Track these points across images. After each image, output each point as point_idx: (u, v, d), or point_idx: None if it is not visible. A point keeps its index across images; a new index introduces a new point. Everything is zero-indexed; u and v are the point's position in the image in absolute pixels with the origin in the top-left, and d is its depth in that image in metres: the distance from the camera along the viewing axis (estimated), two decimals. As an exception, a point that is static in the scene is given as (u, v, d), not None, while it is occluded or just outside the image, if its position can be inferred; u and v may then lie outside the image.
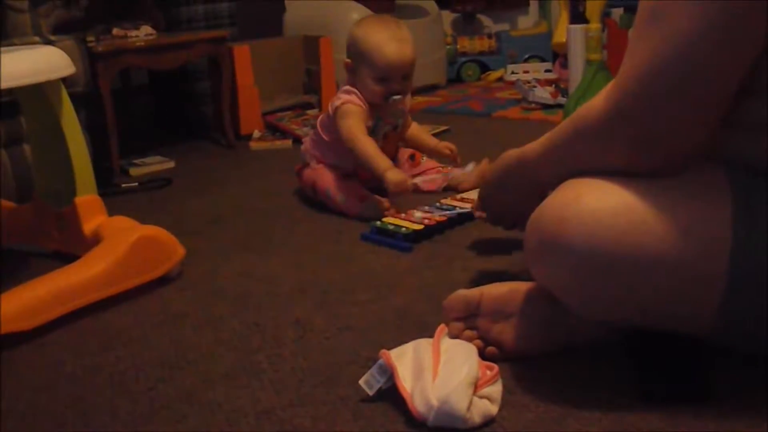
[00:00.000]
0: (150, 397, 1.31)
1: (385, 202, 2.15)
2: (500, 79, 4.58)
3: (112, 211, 1.91)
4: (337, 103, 2.26)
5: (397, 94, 2.26)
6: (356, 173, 2.31)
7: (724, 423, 1.11)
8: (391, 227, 1.99)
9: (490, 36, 4.80)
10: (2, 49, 1.80)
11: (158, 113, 3.71)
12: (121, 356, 1.47)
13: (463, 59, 4.72)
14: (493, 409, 1.16)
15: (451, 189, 2.31)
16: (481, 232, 1.74)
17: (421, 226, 1.98)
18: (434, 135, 3.15)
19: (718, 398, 1.16)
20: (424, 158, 2.46)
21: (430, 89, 4.40)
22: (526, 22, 5.04)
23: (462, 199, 2.17)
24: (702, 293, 1.11)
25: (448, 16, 4.94)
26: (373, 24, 2.31)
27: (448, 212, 2.07)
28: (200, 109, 3.58)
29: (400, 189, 2.09)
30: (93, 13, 2.70)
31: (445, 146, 2.43)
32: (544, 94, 3.61)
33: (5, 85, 1.57)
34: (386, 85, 2.24)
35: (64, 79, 1.76)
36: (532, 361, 1.31)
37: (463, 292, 1.36)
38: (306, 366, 1.37)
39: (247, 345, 1.47)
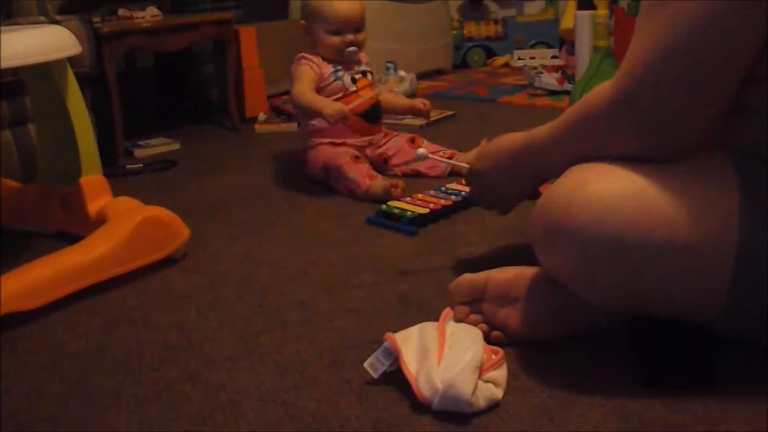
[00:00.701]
0: (154, 379, 1.31)
1: (397, 184, 2.17)
2: (506, 64, 4.57)
3: (116, 192, 1.91)
4: (291, 69, 2.42)
5: (352, 45, 2.40)
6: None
7: (728, 409, 1.11)
8: (396, 211, 1.98)
9: (496, 21, 4.79)
10: (8, 28, 1.79)
11: (163, 95, 3.71)
12: (124, 337, 1.47)
13: (470, 44, 4.71)
14: (498, 393, 1.16)
15: (456, 173, 2.30)
16: (487, 216, 1.73)
17: (426, 210, 1.98)
18: (439, 120, 3.17)
19: (722, 385, 1.16)
20: (425, 142, 2.46)
21: (435, 74, 4.40)
22: (533, 8, 5.02)
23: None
24: (709, 280, 1.10)
25: (454, 2, 4.93)
26: None
27: (453, 196, 2.07)
28: (205, 91, 3.58)
29: (339, 117, 2.18)
30: (99, -6, 2.69)
31: (418, 101, 2.54)
32: (550, 80, 3.59)
33: (11, 64, 1.56)
34: (341, 37, 2.39)
35: (69, 60, 1.76)
36: (537, 346, 1.30)
37: (468, 276, 1.36)
38: (310, 348, 1.37)
39: (251, 327, 1.47)
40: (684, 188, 1.10)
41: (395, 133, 2.53)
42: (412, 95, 3.51)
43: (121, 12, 3.07)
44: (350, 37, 2.39)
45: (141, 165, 2.74)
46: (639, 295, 1.16)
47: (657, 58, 1.08)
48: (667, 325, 1.20)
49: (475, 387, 1.12)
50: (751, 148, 1.14)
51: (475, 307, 1.34)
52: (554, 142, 1.29)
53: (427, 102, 2.53)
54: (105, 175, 1.90)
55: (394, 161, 2.40)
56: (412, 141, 2.47)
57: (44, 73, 1.77)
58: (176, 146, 2.99)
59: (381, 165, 2.41)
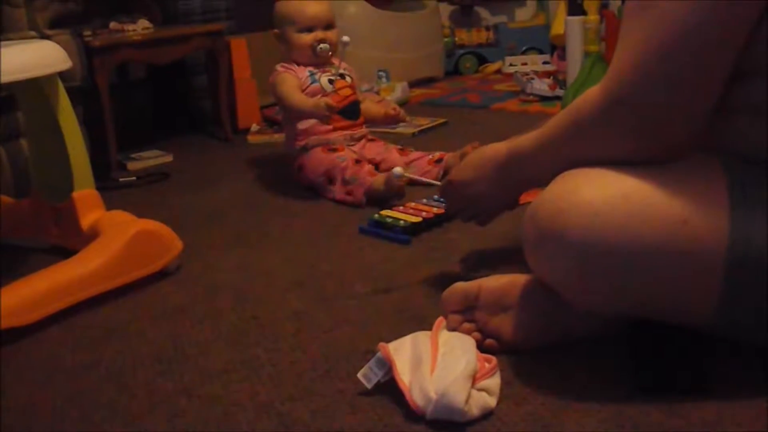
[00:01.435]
0: (148, 392, 1.31)
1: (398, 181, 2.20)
2: (498, 71, 4.57)
3: (109, 206, 1.91)
4: (270, 79, 2.48)
5: (323, 41, 2.46)
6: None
7: (723, 414, 1.11)
8: (389, 220, 1.98)
9: (488, 28, 4.80)
10: (-2, 43, 1.80)
11: (156, 107, 3.70)
12: (119, 351, 1.47)
13: (461, 51, 4.72)
14: (492, 401, 1.16)
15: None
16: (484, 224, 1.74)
17: (419, 219, 1.98)
18: (432, 128, 3.17)
19: (717, 389, 1.16)
20: (413, 149, 2.49)
21: (427, 82, 4.40)
22: (524, 14, 5.03)
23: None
24: (700, 283, 1.11)
25: (446, 9, 4.93)
26: None
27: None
28: (198, 102, 3.58)
29: (327, 110, 2.21)
30: (89, 7, 2.70)
31: (391, 108, 2.58)
32: (542, 86, 3.60)
33: (2, 79, 1.56)
34: (312, 35, 2.46)
35: (60, 74, 1.76)
36: (530, 354, 1.30)
37: (461, 285, 1.36)
38: (304, 359, 1.37)
39: (245, 339, 1.47)
40: (673, 191, 1.11)
41: (383, 142, 2.55)
42: (404, 103, 3.52)
43: (112, 25, 3.07)
44: (320, 34, 2.46)
45: (134, 177, 2.74)
46: (631, 300, 1.16)
47: (645, 60, 1.09)
48: (661, 331, 1.21)
49: (469, 395, 1.12)
50: (739, 148, 1.15)
51: (468, 315, 1.34)
52: (542, 149, 1.29)
53: (396, 106, 2.59)
54: (98, 188, 1.90)
55: (383, 167, 2.40)
56: (401, 149, 2.48)
57: (35, 89, 1.77)
58: (169, 158, 2.99)
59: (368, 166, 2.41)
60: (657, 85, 1.09)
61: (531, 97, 3.60)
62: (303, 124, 2.44)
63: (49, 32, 2.35)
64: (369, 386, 1.22)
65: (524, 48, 4.63)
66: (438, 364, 1.18)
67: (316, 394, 1.25)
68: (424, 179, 1.76)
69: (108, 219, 1.84)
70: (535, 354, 1.30)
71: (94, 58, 2.70)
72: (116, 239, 1.72)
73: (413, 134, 3.10)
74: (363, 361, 1.26)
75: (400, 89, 3.77)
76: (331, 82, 2.46)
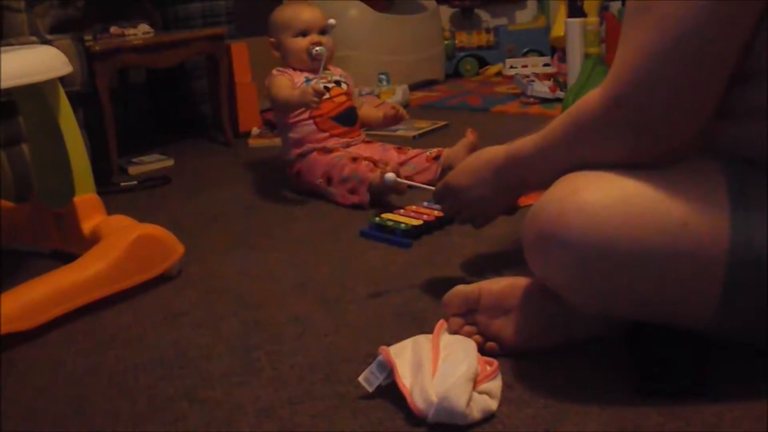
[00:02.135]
0: (150, 396, 1.31)
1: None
2: (499, 73, 4.57)
3: (111, 210, 1.91)
4: (266, 83, 2.50)
5: (318, 45, 2.47)
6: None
7: (724, 417, 1.11)
8: (390, 223, 1.98)
9: (488, 31, 4.80)
10: (-1, 49, 1.80)
11: (156, 111, 3.71)
12: (120, 355, 1.47)
13: (462, 54, 4.72)
14: (493, 404, 1.16)
15: (446, 171, 2.31)
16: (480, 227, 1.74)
17: (420, 222, 1.98)
18: (432, 130, 3.17)
19: (718, 392, 1.16)
20: (410, 147, 2.52)
21: (428, 84, 4.40)
22: (525, 17, 5.04)
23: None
24: (701, 285, 1.11)
25: (446, 11, 4.94)
26: (285, 4, 2.69)
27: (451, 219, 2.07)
28: (198, 107, 3.59)
29: (311, 97, 2.23)
30: (90, 12, 2.69)
31: (389, 108, 2.60)
32: (542, 88, 3.60)
33: (3, 85, 1.57)
34: (307, 39, 2.48)
35: (61, 79, 1.76)
36: (531, 357, 1.30)
37: (462, 288, 1.36)
38: (305, 363, 1.37)
39: (246, 343, 1.47)
40: (674, 193, 1.11)
41: (380, 143, 2.56)
42: (405, 106, 3.52)
43: (112, 30, 3.08)
44: (315, 37, 2.48)
45: (135, 182, 2.74)
46: (632, 303, 1.16)
47: (646, 62, 1.09)
48: (661, 333, 1.21)
49: (470, 399, 1.12)
50: (739, 150, 1.15)
51: (469, 318, 1.34)
52: (542, 152, 1.29)
53: (395, 105, 2.61)
54: (99, 192, 1.90)
55: (380, 165, 2.40)
56: (399, 148, 2.50)
57: (36, 94, 1.77)
58: (170, 162, 3.00)
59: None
60: (657, 88, 1.09)
61: (531, 100, 3.60)
62: (299, 133, 2.45)
63: (50, 37, 2.35)
64: (370, 390, 1.22)
65: (525, 50, 4.64)
66: (439, 367, 1.18)
67: (317, 397, 1.25)
68: (418, 184, 1.75)
69: (109, 223, 1.84)
70: (536, 357, 1.30)
71: (94, 63, 2.71)
72: (117, 244, 1.72)
73: (413, 137, 3.11)
74: (364, 364, 1.26)
75: (400, 92, 3.77)
76: (327, 88, 2.45)
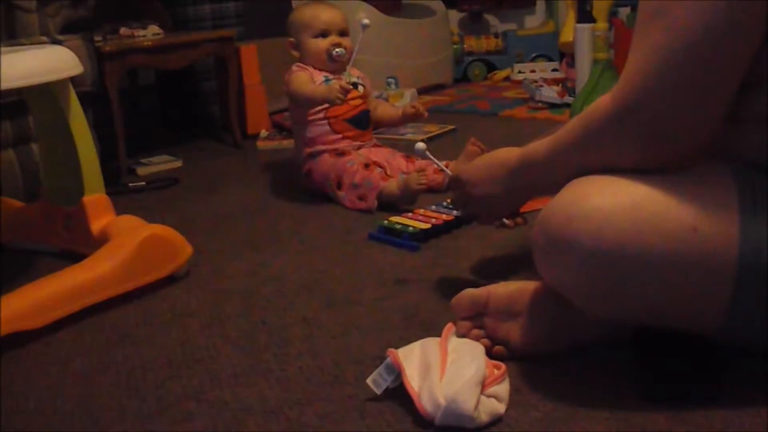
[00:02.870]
0: (157, 396, 1.31)
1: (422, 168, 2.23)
2: (507, 78, 4.57)
3: (119, 210, 1.92)
4: (285, 78, 2.49)
5: (338, 46, 2.46)
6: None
7: (730, 421, 1.11)
8: (398, 226, 1.99)
9: (496, 35, 4.80)
10: (11, 49, 1.81)
11: (165, 113, 3.72)
12: (128, 355, 1.47)
13: (470, 58, 4.72)
14: (501, 408, 1.16)
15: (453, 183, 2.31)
16: (489, 230, 1.74)
17: (428, 225, 1.98)
18: (440, 135, 3.17)
19: (726, 397, 1.16)
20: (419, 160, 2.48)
21: (436, 89, 4.40)
22: (533, 22, 5.04)
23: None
24: (710, 291, 1.11)
25: (454, 16, 4.94)
26: (304, 4, 2.67)
27: (455, 211, 2.07)
28: (207, 108, 3.59)
29: (337, 93, 2.25)
30: (100, 13, 2.71)
31: (408, 107, 2.57)
32: (551, 93, 3.60)
33: (14, 84, 1.57)
34: (327, 39, 2.47)
35: (71, 79, 1.77)
36: (539, 360, 1.31)
37: (470, 292, 1.36)
38: (313, 365, 1.37)
39: (254, 344, 1.48)
40: (683, 199, 1.11)
41: (390, 148, 2.56)
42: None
43: (122, 31, 3.08)
44: (336, 38, 2.48)
45: (144, 183, 2.74)
46: (640, 308, 1.16)
47: (657, 68, 1.10)
48: (669, 337, 1.21)
49: (478, 402, 1.12)
50: (748, 157, 1.15)
51: (477, 322, 1.34)
52: (553, 155, 1.29)
53: (416, 104, 2.57)
54: (108, 193, 1.90)
55: (388, 171, 2.40)
56: (407, 157, 2.48)
57: (47, 93, 1.78)
58: (179, 163, 3.00)
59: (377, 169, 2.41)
60: (668, 93, 1.09)
61: (540, 105, 3.60)
62: (312, 132, 2.44)
63: (60, 37, 2.36)
64: (378, 392, 1.22)
65: (533, 55, 4.63)
66: (447, 370, 1.18)
67: (324, 399, 1.26)
68: (439, 164, 1.73)
69: (118, 224, 1.84)
70: (544, 360, 1.30)
71: (104, 64, 2.71)
72: (126, 244, 1.72)
73: (422, 141, 3.10)
74: (372, 366, 1.26)
75: (408, 96, 3.77)
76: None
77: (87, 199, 1.84)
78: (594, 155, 1.20)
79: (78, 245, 1.89)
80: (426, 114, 2.53)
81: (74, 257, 1.81)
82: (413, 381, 1.19)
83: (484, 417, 1.13)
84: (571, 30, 3.49)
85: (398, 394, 1.21)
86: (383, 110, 2.62)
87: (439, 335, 1.29)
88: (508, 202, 1.47)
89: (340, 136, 2.44)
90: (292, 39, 2.54)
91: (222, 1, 3.59)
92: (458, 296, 1.37)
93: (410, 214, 2.08)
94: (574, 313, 1.25)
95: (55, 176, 1.99)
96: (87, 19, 2.52)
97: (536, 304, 1.31)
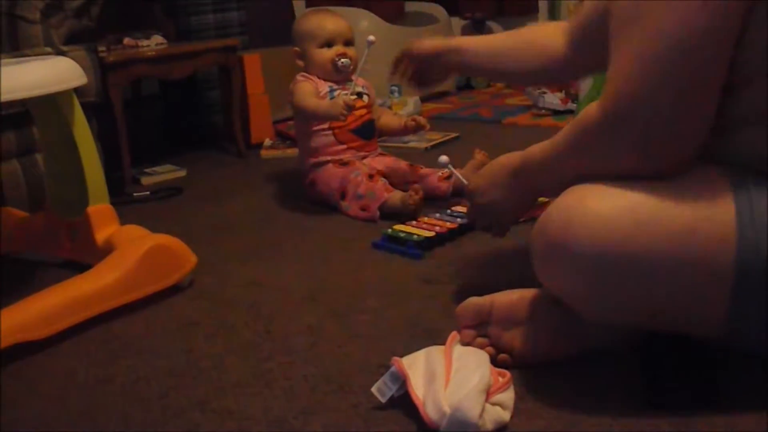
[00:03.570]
0: (162, 406, 1.31)
1: (416, 189, 2.22)
2: (510, 85, 4.57)
3: (123, 220, 1.92)
4: (290, 87, 2.49)
5: (344, 56, 2.46)
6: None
7: (737, 427, 1.11)
8: (402, 235, 1.99)
9: (499, 43, 4.79)
10: (15, 60, 1.81)
11: (169, 122, 3.73)
12: (132, 365, 1.47)
13: (473, 66, 4.71)
14: (506, 415, 1.16)
15: (458, 194, 2.32)
16: (492, 239, 1.74)
17: (432, 234, 1.98)
18: (443, 142, 3.18)
19: (729, 403, 1.16)
20: (422, 166, 2.50)
21: (439, 96, 4.40)
22: (536, 29, 5.03)
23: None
24: (710, 293, 1.11)
25: (458, 23, 4.95)
26: (308, 12, 2.69)
27: (459, 219, 2.07)
28: (211, 117, 3.60)
29: (340, 110, 2.25)
30: (104, 23, 2.71)
31: (410, 120, 2.56)
32: (554, 100, 3.61)
33: (18, 95, 1.58)
34: (333, 49, 2.46)
35: (75, 89, 1.77)
36: (543, 368, 1.31)
37: (474, 300, 1.36)
38: (318, 373, 1.37)
39: (258, 353, 1.48)
40: (680, 201, 1.11)
41: (394, 157, 2.56)
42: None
43: (126, 41, 3.09)
44: (341, 48, 2.47)
45: (148, 192, 2.75)
46: (641, 311, 1.16)
47: (642, 74, 1.10)
48: (673, 343, 1.21)
49: (482, 410, 1.12)
50: (741, 158, 1.15)
51: (481, 330, 1.34)
52: (550, 160, 1.30)
53: (416, 117, 2.57)
54: (112, 203, 1.91)
55: (393, 180, 2.40)
56: (411, 165, 2.48)
57: (51, 104, 1.78)
58: (183, 173, 3.01)
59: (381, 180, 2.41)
60: (657, 95, 1.10)
61: (543, 111, 3.61)
62: (316, 142, 2.44)
63: (64, 48, 2.36)
64: (383, 400, 1.22)
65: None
66: (452, 378, 1.18)
67: (329, 408, 1.26)
68: (461, 177, 1.72)
69: (122, 234, 1.85)
70: (548, 368, 1.30)
71: (108, 74, 2.72)
72: (131, 254, 1.72)
73: (425, 149, 3.11)
74: (377, 375, 1.26)
75: (412, 104, 3.78)
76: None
77: (91, 209, 1.85)
78: (586, 161, 1.20)
79: (82, 255, 1.90)
80: (428, 126, 2.54)
81: (79, 267, 1.82)
82: (418, 389, 1.19)
83: (488, 425, 1.13)
84: (573, 37, 3.49)
85: (403, 402, 1.21)
86: (386, 120, 2.61)
87: (443, 343, 1.29)
88: (513, 206, 1.46)
89: (344, 146, 2.44)
90: (297, 48, 2.54)
91: (225, 11, 3.60)
92: (462, 305, 1.37)
93: (414, 223, 2.08)
94: (577, 320, 1.25)
95: (59, 186, 2.00)
96: (91, 30, 2.52)
97: (539, 312, 1.31)
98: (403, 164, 2.47)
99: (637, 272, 1.11)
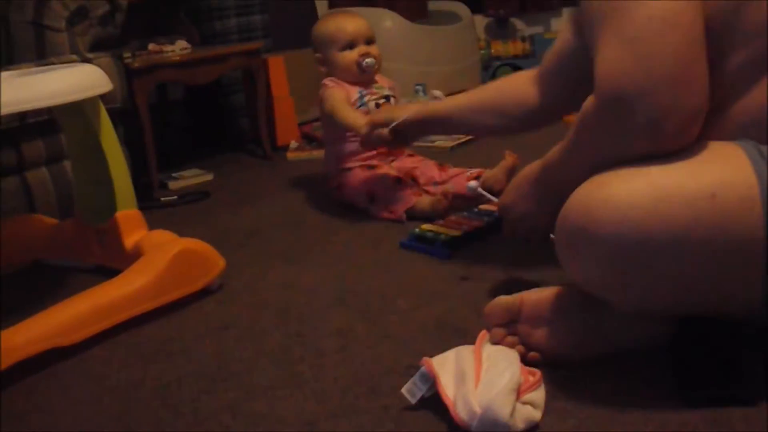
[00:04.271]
0: (193, 410, 1.32)
1: (446, 194, 2.21)
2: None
3: (152, 225, 1.93)
4: (320, 94, 2.47)
5: (368, 56, 2.44)
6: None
7: (772, 425, 1.10)
8: (429, 234, 1.98)
9: (523, 39, 4.79)
10: (42, 68, 1.83)
11: (195, 126, 3.74)
12: (163, 369, 1.48)
13: (497, 63, 4.72)
14: (537, 414, 1.16)
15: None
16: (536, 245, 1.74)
17: (459, 233, 1.98)
18: (468, 141, 3.17)
19: (764, 399, 1.15)
20: (450, 165, 2.47)
21: (464, 94, 4.38)
22: (560, 24, 5.02)
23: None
24: (741, 261, 1.10)
25: (481, 21, 4.94)
26: (326, 16, 2.65)
27: (486, 217, 2.07)
28: (237, 121, 3.61)
29: (361, 131, 2.17)
30: (129, 30, 2.72)
31: None
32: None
33: (45, 103, 1.59)
34: (356, 50, 2.45)
35: (102, 96, 1.78)
36: (575, 366, 1.30)
37: (503, 299, 1.35)
38: (348, 376, 1.37)
39: (289, 356, 1.48)
40: (696, 170, 1.11)
41: (421, 157, 2.54)
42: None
43: (150, 46, 3.10)
44: (364, 48, 2.45)
45: (175, 197, 2.76)
46: (671, 292, 1.15)
47: (624, 54, 1.12)
48: (706, 339, 1.19)
49: (513, 409, 1.12)
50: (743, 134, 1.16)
51: (510, 328, 1.34)
52: (566, 159, 1.32)
53: None
54: (140, 207, 1.92)
55: (421, 181, 2.39)
56: (440, 165, 2.47)
57: (77, 111, 1.79)
58: (209, 177, 3.02)
59: (410, 183, 2.40)
60: (642, 74, 1.10)
61: (568, 108, 3.58)
62: (346, 148, 2.42)
63: (90, 55, 2.38)
64: (413, 401, 1.22)
65: (560, 58, 4.61)
66: (482, 377, 1.17)
67: (360, 410, 1.26)
68: (492, 198, 1.72)
69: (151, 238, 1.85)
70: (579, 366, 1.30)
71: (133, 80, 2.73)
72: (159, 258, 1.73)
73: (451, 148, 3.11)
74: (407, 376, 1.26)
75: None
76: (377, 106, 2.44)
77: (120, 214, 1.86)
78: (598, 153, 1.21)
79: (111, 261, 1.91)
80: None
81: (108, 273, 1.83)
82: (448, 389, 1.19)
83: (519, 424, 1.13)
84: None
85: (433, 402, 1.21)
86: None
87: (473, 343, 1.29)
88: (542, 214, 1.46)
89: (374, 152, 2.42)
90: (318, 55, 2.52)
91: (248, 15, 3.60)
92: (491, 303, 1.36)
93: (441, 222, 2.08)
94: (608, 318, 1.25)
95: (87, 193, 2.01)
96: (116, 37, 2.54)
97: (569, 310, 1.31)
98: (431, 164, 2.46)
99: (661, 246, 1.10)
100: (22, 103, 1.53)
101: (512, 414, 1.12)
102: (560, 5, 5.00)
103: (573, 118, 1.29)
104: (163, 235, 1.87)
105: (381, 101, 2.44)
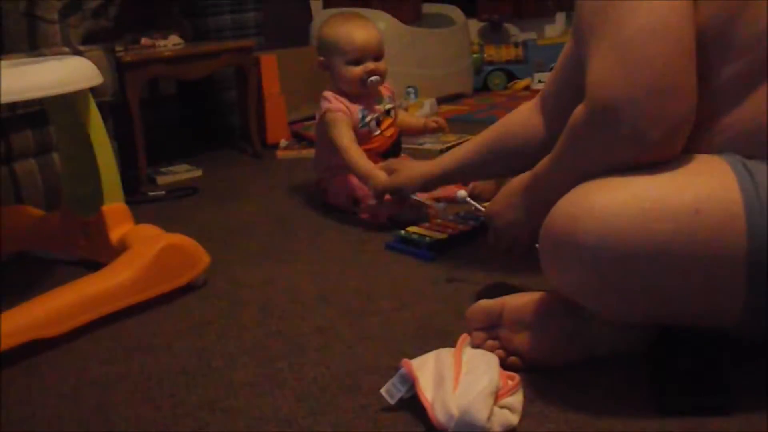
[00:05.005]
0: (173, 404, 1.32)
1: (430, 207, 2.20)
2: (527, 87, 4.57)
3: (138, 219, 1.93)
4: (323, 108, 2.40)
5: (373, 74, 2.37)
6: None
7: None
8: (415, 237, 1.99)
9: (516, 45, 4.80)
10: (32, 60, 1.82)
11: (185, 122, 3.74)
12: (144, 363, 1.48)
13: (490, 68, 4.73)
14: (514, 419, 1.16)
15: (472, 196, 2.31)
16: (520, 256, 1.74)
17: (444, 236, 1.99)
18: (459, 144, 3.16)
19: (743, 408, 1.16)
20: None
21: (456, 98, 4.40)
22: (553, 31, 5.04)
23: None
24: (723, 275, 1.10)
25: (474, 25, 4.95)
26: (337, 19, 2.46)
27: (471, 222, 2.07)
28: (227, 118, 3.61)
29: (373, 187, 2.14)
30: (122, 23, 2.72)
31: (431, 121, 2.57)
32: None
33: (35, 95, 1.59)
34: (361, 67, 2.36)
35: (92, 89, 1.78)
36: (553, 371, 1.30)
37: (484, 303, 1.36)
38: (328, 374, 1.38)
39: (269, 353, 1.48)
40: (681, 184, 1.12)
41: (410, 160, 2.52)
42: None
43: (143, 41, 3.10)
44: (371, 65, 2.37)
45: (163, 192, 2.76)
46: (652, 303, 1.16)
47: (614, 62, 1.13)
48: (685, 347, 1.20)
49: (491, 413, 1.13)
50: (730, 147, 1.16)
51: (491, 332, 1.34)
52: (554, 168, 1.32)
53: (439, 119, 2.57)
54: (127, 201, 1.92)
55: None
56: None
57: (67, 104, 1.79)
58: (198, 173, 3.02)
59: None
60: (631, 83, 1.11)
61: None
62: (340, 159, 2.33)
63: (82, 48, 2.38)
64: (392, 402, 1.22)
65: (553, 65, 4.61)
66: (461, 381, 1.18)
67: (339, 408, 1.26)
68: (480, 207, 1.72)
69: (136, 233, 1.86)
70: (558, 372, 1.30)
71: (125, 74, 2.73)
72: (144, 253, 1.73)
73: (440, 151, 3.11)
74: (386, 376, 1.26)
75: (428, 105, 3.78)
76: (378, 122, 2.42)
77: (106, 208, 1.86)
78: (586, 162, 1.21)
79: (96, 254, 1.91)
80: (447, 129, 2.54)
81: (93, 266, 1.83)
82: (427, 391, 1.19)
83: (496, 428, 1.13)
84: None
85: (412, 404, 1.21)
86: (407, 119, 2.60)
87: (453, 346, 1.29)
88: (528, 224, 1.46)
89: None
90: (322, 58, 2.45)
91: (242, 12, 3.61)
92: (473, 307, 1.37)
93: (427, 224, 2.08)
94: (588, 323, 1.26)
95: (75, 185, 2.01)
96: (108, 30, 2.54)
97: (550, 316, 1.31)
98: None
99: (644, 258, 1.11)
100: (9, 93, 1.52)
101: (490, 417, 1.12)
102: (555, 11, 5.01)
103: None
104: (148, 230, 1.87)
105: (382, 117, 2.41)
